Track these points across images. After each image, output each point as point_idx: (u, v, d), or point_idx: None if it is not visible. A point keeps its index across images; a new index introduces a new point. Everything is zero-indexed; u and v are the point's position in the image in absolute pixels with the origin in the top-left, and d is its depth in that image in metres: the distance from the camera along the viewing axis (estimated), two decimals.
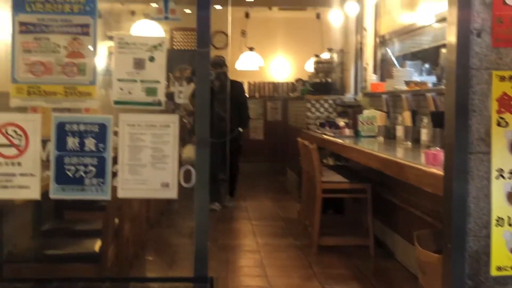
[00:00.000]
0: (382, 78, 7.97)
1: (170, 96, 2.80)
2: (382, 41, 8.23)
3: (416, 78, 6.51)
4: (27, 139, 2.69)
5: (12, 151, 2.69)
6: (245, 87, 11.70)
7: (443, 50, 5.91)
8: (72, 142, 2.70)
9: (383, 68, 8.21)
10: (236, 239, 6.78)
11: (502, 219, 2.80)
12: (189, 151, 2.85)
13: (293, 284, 5.04)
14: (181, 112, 2.93)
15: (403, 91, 6.28)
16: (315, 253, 5.82)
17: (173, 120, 2.74)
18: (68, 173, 2.70)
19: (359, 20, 9.15)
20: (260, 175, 11.78)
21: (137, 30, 6.84)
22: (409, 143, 5.58)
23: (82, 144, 2.70)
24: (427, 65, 6.80)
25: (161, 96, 2.73)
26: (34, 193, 2.71)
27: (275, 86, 13.17)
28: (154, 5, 3.01)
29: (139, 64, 2.72)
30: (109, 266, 3.70)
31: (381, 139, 6.42)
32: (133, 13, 9.08)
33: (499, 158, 2.79)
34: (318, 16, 12.56)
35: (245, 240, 6.69)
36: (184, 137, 2.84)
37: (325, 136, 7.18)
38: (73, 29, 2.71)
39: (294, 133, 9.39)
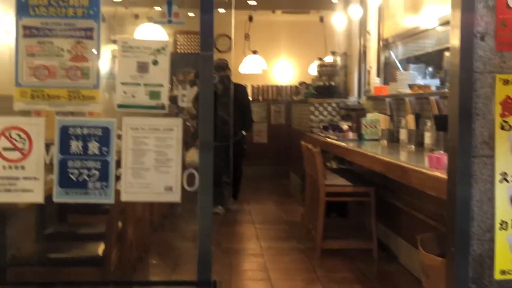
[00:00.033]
0: (386, 82, 7.97)
1: (173, 99, 2.80)
2: (385, 44, 8.23)
3: (420, 81, 6.51)
4: (30, 143, 2.69)
5: (16, 155, 2.69)
6: (249, 90, 11.71)
7: (447, 54, 5.90)
8: (75, 145, 2.70)
9: (387, 71, 8.21)
10: (240, 242, 6.78)
11: (506, 222, 2.79)
12: (193, 154, 2.85)
13: (296, 287, 5.04)
14: (184, 116, 2.93)
15: (407, 94, 6.28)
16: (319, 256, 5.81)
17: (176, 124, 2.74)
18: (72, 176, 2.70)
19: (363, 23, 9.15)
20: (264, 178, 11.78)
21: (140, 33, 6.84)
22: (413, 147, 5.57)
23: (85, 147, 2.70)
24: (430, 69, 6.80)
25: (164, 99, 2.73)
26: (37, 197, 2.71)
27: (279, 89, 13.18)
28: (157, 8, 3.01)
29: (142, 67, 2.73)
30: (112, 269, 3.70)
31: (384, 142, 6.42)
32: (136, 16, 9.09)
33: (502, 162, 2.78)
34: (321, 19, 12.56)
35: (248, 243, 6.69)
36: (188, 141, 2.84)
37: (328, 140, 7.17)
38: (76, 33, 2.71)
39: (297, 136, 9.38)
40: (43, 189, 2.70)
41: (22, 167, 2.70)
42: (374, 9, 8.66)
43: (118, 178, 2.72)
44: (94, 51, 2.72)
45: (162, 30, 5.72)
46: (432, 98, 5.49)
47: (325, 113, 8.86)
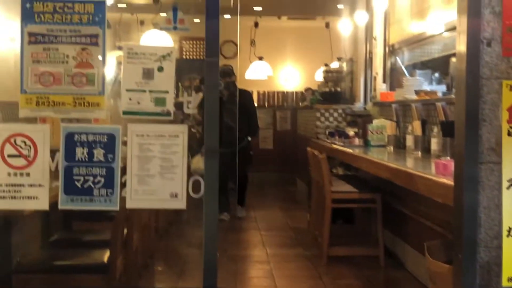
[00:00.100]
0: (392, 88, 7.95)
1: (179, 106, 2.80)
2: (391, 50, 8.22)
3: (426, 87, 6.49)
4: (35, 150, 2.69)
5: (21, 162, 2.69)
6: (254, 96, 11.72)
7: (453, 59, 5.89)
8: (81, 152, 2.70)
9: (393, 77, 8.19)
10: (245, 249, 6.76)
11: None
12: (198, 161, 2.84)
13: None
14: (190, 122, 2.92)
15: (413, 100, 6.26)
16: (325, 263, 5.79)
17: (182, 130, 2.73)
18: (77, 183, 2.70)
19: (369, 29, 9.15)
20: (269, 184, 11.76)
21: (146, 40, 6.85)
22: (419, 153, 5.55)
23: (91, 154, 2.70)
24: (437, 74, 6.79)
25: (170, 106, 2.73)
26: (42, 204, 2.71)
27: (284, 95, 13.18)
28: (163, 14, 3.02)
29: (148, 74, 2.72)
30: (117, 276, 3.68)
31: (390, 148, 6.40)
32: (142, 23, 9.10)
33: (509, 168, 2.77)
34: (327, 25, 12.57)
35: (254, 250, 6.67)
36: (193, 147, 2.83)
37: (334, 146, 7.16)
38: (82, 40, 2.71)
39: (303, 142, 9.37)
40: (48, 196, 2.70)
41: (27, 174, 2.70)
42: (380, 15, 8.65)
43: (123, 185, 2.71)
44: (100, 57, 2.72)
45: (167, 36, 5.72)
46: (439, 104, 5.47)
47: (331, 119, 8.85)
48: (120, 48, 2.80)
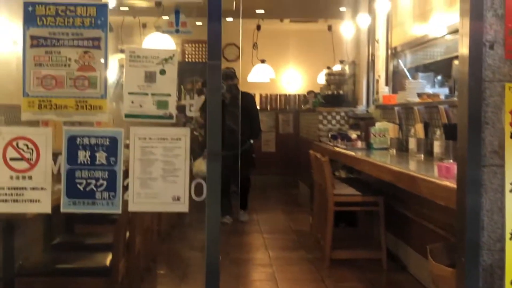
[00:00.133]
0: (394, 90, 7.94)
1: (181, 109, 2.79)
2: (394, 53, 8.21)
3: (429, 90, 6.49)
4: (38, 153, 2.69)
5: (23, 165, 2.68)
6: (257, 99, 11.71)
7: (456, 62, 5.88)
8: (83, 155, 2.70)
9: (395, 80, 8.19)
10: (248, 252, 6.75)
11: None
12: (200, 164, 2.84)
13: None
14: (192, 125, 2.92)
15: (416, 103, 6.26)
16: (327, 266, 5.78)
17: (184, 133, 2.73)
18: (79, 186, 2.69)
19: (371, 32, 9.14)
20: (272, 187, 11.75)
21: (148, 43, 6.85)
22: (422, 156, 5.54)
23: (93, 157, 2.70)
24: (439, 77, 6.78)
25: (172, 109, 2.72)
26: (45, 207, 2.70)
27: (287, 98, 13.17)
28: (165, 17, 3.02)
29: (150, 77, 2.72)
30: (120, 280, 3.68)
31: (393, 151, 6.39)
32: (144, 26, 9.10)
33: None
34: (329, 28, 12.58)
35: (256, 253, 6.66)
36: (196, 150, 2.83)
37: (337, 149, 7.15)
38: (84, 43, 2.70)
39: (306, 145, 9.36)
40: (50, 199, 2.69)
41: (30, 177, 2.69)
42: (382, 18, 8.65)
43: (125, 188, 2.71)
44: (102, 60, 2.71)
45: (169, 39, 5.72)
46: (441, 107, 5.47)
47: (333, 122, 8.85)
48: (122, 51, 2.80)
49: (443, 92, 6.16)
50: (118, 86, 2.83)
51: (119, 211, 2.72)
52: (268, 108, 13.00)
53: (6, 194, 2.69)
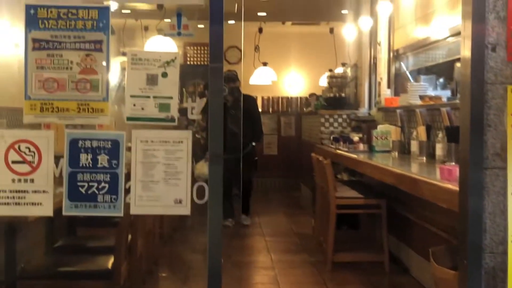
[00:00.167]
0: (396, 93, 7.94)
1: (183, 111, 2.79)
2: (396, 56, 8.21)
3: (431, 92, 6.48)
4: (40, 156, 2.69)
5: (25, 168, 2.68)
6: (258, 102, 11.69)
7: (458, 64, 5.87)
8: (85, 158, 2.69)
9: (397, 82, 8.18)
10: (250, 255, 6.75)
11: None
12: (202, 167, 2.83)
13: None
14: (194, 128, 2.92)
15: (418, 105, 6.25)
16: (330, 269, 5.77)
17: (186, 136, 2.73)
18: (81, 189, 2.69)
19: (373, 34, 9.14)
20: (274, 190, 11.74)
21: (150, 45, 6.86)
22: (424, 158, 5.53)
23: (95, 160, 2.69)
24: (441, 80, 6.77)
25: (174, 112, 2.72)
26: (46, 210, 2.70)
27: (289, 101, 13.16)
28: (167, 20, 3.01)
29: (152, 80, 2.72)
30: (122, 283, 3.68)
31: (395, 154, 6.38)
32: (146, 28, 9.11)
33: None
34: (331, 30, 12.57)
35: (259, 256, 6.66)
36: (197, 153, 2.83)
37: (339, 151, 7.15)
38: (86, 46, 2.70)
39: (308, 148, 9.36)
40: (52, 202, 2.69)
41: (31, 180, 2.69)
42: (384, 20, 8.65)
43: (127, 191, 2.70)
44: (104, 63, 2.71)
45: (171, 42, 5.72)
46: (443, 109, 5.46)
47: (335, 124, 8.84)
48: (124, 54, 2.80)
49: (445, 94, 6.15)
50: (120, 89, 2.83)
51: (121, 214, 2.71)
52: (270, 110, 12.99)
53: (8, 197, 2.69)
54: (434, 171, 4.50)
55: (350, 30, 10.02)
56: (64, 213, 2.69)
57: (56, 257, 3.98)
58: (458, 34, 5.53)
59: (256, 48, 12.75)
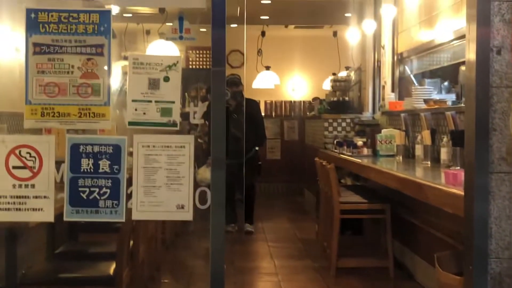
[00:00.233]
0: (401, 97, 7.91)
1: (185, 116, 2.77)
2: (400, 59, 8.19)
3: (435, 96, 6.45)
4: (40, 161, 2.67)
5: (26, 173, 2.67)
6: (261, 106, 11.67)
7: (463, 68, 5.85)
8: (86, 163, 2.68)
9: (402, 86, 8.15)
10: (253, 261, 6.72)
11: None
12: (204, 171, 2.81)
13: None
14: (197, 132, 2.90)
15: (422, 109, 6.23)
16: (334, 275, 5.74)
17: (188, 141, 2.71)
18: (82, 195, 2.68)
19: (377, 37, 9.11)
20: (277, 195, 11.72)
21: (152, 49, 6.85)
22: (429, 163, 5.51)
23: (96, 165, 2.68)
24: (446, 83, 6.75)
25: (176, 116, 2.70)
26: (47, 216, 2.69)
27: (292, 105, 13.14)
28: (169, 24, 3.00)
29: (153, 84, 2.70)
30: None
31: (400, 158, 6.35)
32: (148, 32, 9.10)
33: None
34: (335, 34, 12.55)
35: (262, 262, 6.63)
36: (200, 158, 2.81)
37: (342, 156, 7.12)
38: (87, 50, 2.69)
39: (311, 152, 9.33)
40: (53, 207, 2.68)
41: (32, 186, 2.68)
42: (388, 23, 8.62)
43: (129, 196, 2.69)
44: (105, 67, 2.70)
45: (173, 46, 5.71)
46: (448, 113, 5.43)
47: (339, 129, 8.81)
48: (125, 58, 2.79)
49: (450, 98, 6.13)
50: (122, 93, 2.82)
51: (123, 219, 2.70)
52: (273, 115, 12.96)
53: (9, 203, 2.68)
54: (439, 175, 4.47)
55: (354, 33, 9.99)
56: (65, 218, 2.69)
57: (57, 263, 3.96)
58: (462, 37, 5.51)
59: (259, 52, 12.73)
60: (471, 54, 2.80)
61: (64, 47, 2.68)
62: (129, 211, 2.69)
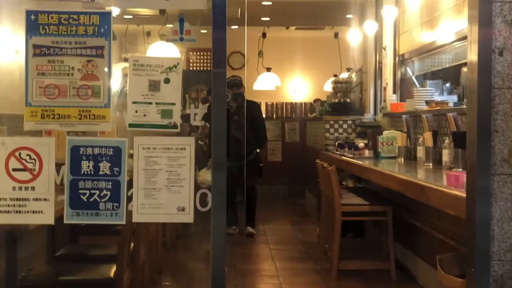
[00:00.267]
0: (402, 98, 7.90)
1: (186, 118, 2.77)
2: (401, 60, 8.18)
3: (437, 97, 6.44)
4: (41, 163, 2.67)
5: (26, 176, 2.66)
6: (262, 107, 11.66)
7: (464, 69, 5.84)
8: (86, 166, 2.67)
9: (403, 87, 8.14)
10: (254, 263, 6.71)
11: None
12: (205, 173, 2.80)
13: None
14: (197, 134, 2.89)
15: (424, 111, 6.21)
16: (335, 277, 5.73)
17: (189, 143, 2.70)
18: (83, 197, 2.67)
19: (378, 39, 9.11)
20: (279, 197, 11.71)
21: (153, 51, 6.84)
22: (430, 164, 5.50)
23: (96, 168, 2.67)
24: (448, 85, 6.73)
25: (176, 118, 2.70)
26: (47, 218, 2.68)
27: (293, 106, 13.13)
28: (169, 25, 2.99)
29: (154, 86, 2.69)
30: None
31: (401, 160, 6.34)
32: (148, 34, 9.09)
33: None
34: (336, 35, 12.54)
35: (263, 264, 6.62)
36: (201, 160, 2.80)
37: (344, 158, 7.11)
38: (87, 51, 2.68)
39: (312, 154, 9.32)
40: (53, 210, 2.67)
41: (32, 188, 2.67)
42: (389, 25, 8.61)
43: (129, 198, 2.68)
44: (105, 69, 2.69)
45: (174, 47, 5.71)
46: (450, 114, 5.42)
47: (340, 130, 8.80)
48: (126, 59, 2.78)
49: (451, 99, 6.11)
50: (122, 95, 2.81)
51: (123, 222, 2.69)
52: (274, 116, 12.95)
53: (8, 205, 2.67)
54: (441, 177, 4.46)
55: (355, 34, 9.99)
56: (65, 221, 2.68)
57: (57, 265, 3.95)
58: (464, 38, 5.50)
59: (260, 53, 12.73)
60: (473, 56, 2.79)
61: (64, 48, 2.67)
62: (129, 214, 2.68)
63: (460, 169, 4.39)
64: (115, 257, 3.66)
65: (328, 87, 11.23)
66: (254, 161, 8.10)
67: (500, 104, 2.75)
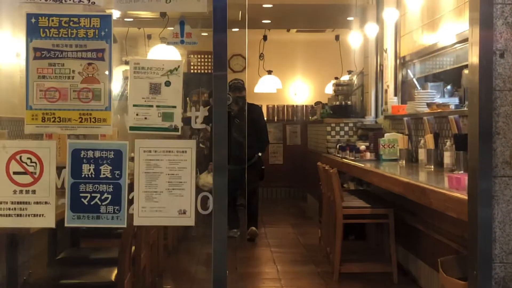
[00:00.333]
0: (403, 101, 7.90)
1: (187, 121, 2.76)
2: (402, 63, 8.17)
3: (438, 100, 6.43)
4: (41, 167, 2.66)
5: (27, 179, 2.66)
6: (263, 110, 11.65)
7: (466, 71, 5.83)
8: (87, 169, 2.67)
9: (404, 90, 8.14)
10: (256, 266, 6.70)
11: None
12: (206, 176, 2.80)
13: None
14: (198, 137, 2.89)
15: (425, 113, 6.21)
16: (337, 280, 5.72)
17: (190, 146, 2.69)
18: (84, 200, 2.67)
19: (379, 41, 9.10)
20: (280, 200, 11.70)
21: (153, 54, 6.83)
22: (432, 167, 5.49)
23: (97, 171, 2.67)
24: (449, 87, 6.73)
25: (177, 121, 2.69)
26: (48, 222, 2.67)
27: (294, 109, 13.13)
28: (170, 28, 2.99)
29: (155, 88, 2.69)
30: None
31: (403, 162, 6.33)
32: (149, 36, 9.09)
33: None
34: (337, 38, 12.53)
35: (264, 267, 6.61)
36: (202, 163, 2.80)
37: (345, 160, 7.11)
38: (88, 54, 2.68)
39: (314, 157, 9.31)
40: (54, 213, 2.66)
41: (33, 191, 2.66)
42: (390, 27, 8.61)
43: (131, 201, 2.67)
44: (106, 72, 2.68)
45: (175, 50, 5.71)
46: (451, 117, 5.41)
47: (341, 133, 8.80)
48: (126, 62, 2.77)
49: (453, 101, 6.11)
50: (123, 98, 2.81)
51: (124, 225, 2.69)
52: (275, 119, 12.95)
53: (9, 209, 2.67)
54: (442, 179, 4.46)
55: (356, 37, 9.98)
56: (66, 224, 2.67)
57: (58, 269, 3.95)
58: (465, 40, 5.50)
59: (261, 56, 12.72)
60: (474, 58, 2.79)
61: (65, 51, 2.67)
62: (130, 217, 2.67)
63: (462, 172, 4.39)
64: (116, 260, 3.65)
65: (329, 89, 11.22)
66: (256, 164, 8.09)
67: (502, 106, 2.75)
